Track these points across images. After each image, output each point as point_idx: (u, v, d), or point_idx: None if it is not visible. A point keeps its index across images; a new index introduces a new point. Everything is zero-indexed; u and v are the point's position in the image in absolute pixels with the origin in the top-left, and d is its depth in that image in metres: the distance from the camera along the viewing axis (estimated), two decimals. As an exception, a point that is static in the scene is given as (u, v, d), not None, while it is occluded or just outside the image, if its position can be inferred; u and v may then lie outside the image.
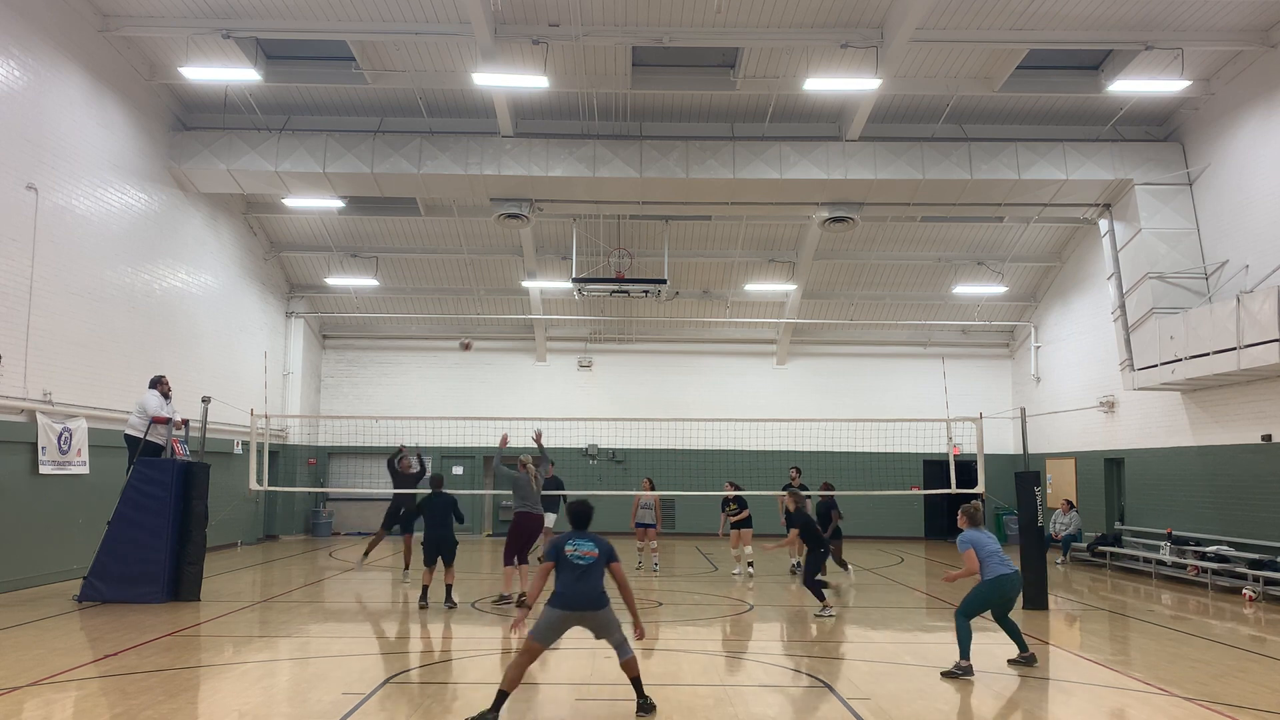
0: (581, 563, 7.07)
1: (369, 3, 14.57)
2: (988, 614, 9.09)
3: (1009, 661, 9.17)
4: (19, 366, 13.26)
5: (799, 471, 16.90)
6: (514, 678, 6.95)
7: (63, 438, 14.00)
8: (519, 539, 12.33)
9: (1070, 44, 15.29)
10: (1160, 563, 16.65)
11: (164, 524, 12.50)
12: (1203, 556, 15.70)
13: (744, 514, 16.26)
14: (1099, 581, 16.52)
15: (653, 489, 17.35)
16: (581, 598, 7.02)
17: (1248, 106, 15.78)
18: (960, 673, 8.57)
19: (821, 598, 12.05)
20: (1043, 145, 17.74)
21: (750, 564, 16.21)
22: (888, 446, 22.55)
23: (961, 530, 9.11)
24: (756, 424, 22.32)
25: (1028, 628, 11.31)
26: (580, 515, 7.38)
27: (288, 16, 14.91)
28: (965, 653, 8.69)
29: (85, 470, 14.46)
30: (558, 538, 7.24)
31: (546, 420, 22.66)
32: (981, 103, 17.78)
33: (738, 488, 16.51)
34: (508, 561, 12.41)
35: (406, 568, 15.46)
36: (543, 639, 7.03)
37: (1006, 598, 8.96)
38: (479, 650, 9.87)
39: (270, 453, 15.77)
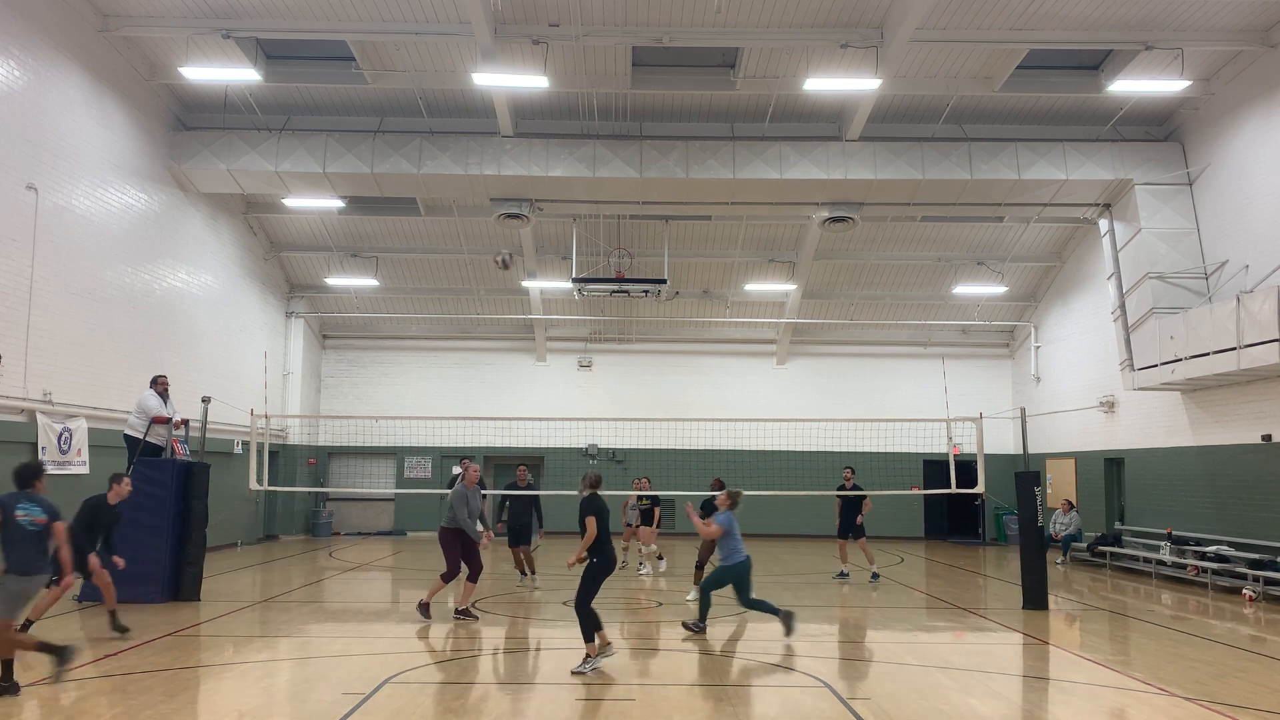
0: (33, 529, 7.35)
1: (369, 3, 14.57)
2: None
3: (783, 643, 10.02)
4: (19, 366, 13.26)
5: (853, 472, 16.44)
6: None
7: (63, 438, 14.00)
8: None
9: (1070, 44, 15.29)
10: (1160, 563, 16.64)
11: (164, 524, 12.51)
12: (1203, 556, 15.69)
13: (655, 512, 16.42)
14: (1099, 581, 16.52)
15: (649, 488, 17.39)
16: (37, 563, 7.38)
17: (1248, 106, 15.78)
18: (695, 629, 10.49)
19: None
20: (1043, 145, 17.74)
21: (660, 557, 16.78)
22: (888, 446, 22.54)
23: (719, 509, 10.71)
24: (756, 424, 22.31)
25: (1028, 628, 11.33)
26: (24, 475, 7.53)
27: (288, 16, 14.90)
28: (704, 617, 10.66)
29: (85, 470, 14.46)
30: (5, 498, 7.36)
31: (546, 420, 22.82)
32: (981, 103, 17.77)
33: (650, 486, 16.78)
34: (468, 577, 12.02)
35: (531, 574, 14.98)
36: (11, 614, 7.28)
37: (742, 579, 10.40)
38: (479, 650, 9.88)
39: (270, 453, 15.75)
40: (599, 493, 9.16)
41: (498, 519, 14.94)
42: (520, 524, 14.66)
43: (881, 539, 23.91)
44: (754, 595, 10.44)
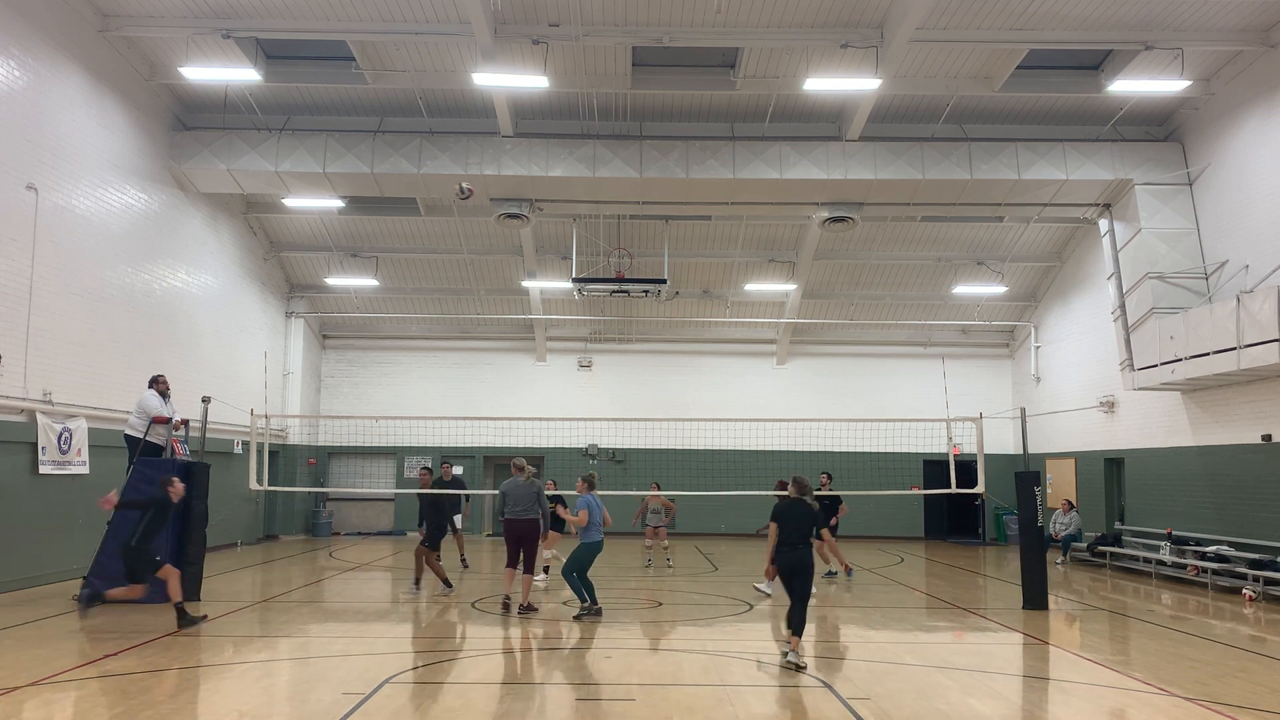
0: None
1: (369, 3, 14.57)
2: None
3: (574, 618, 11.30)
4: (19, 366, 13.26)
5: (829, 478, 16.27)
6: None
7: (63, 438, 14.00)
8: (512, 543, 12.01)
9: (1070, 44, 15.29)
10: (1160, 563, 16.64)
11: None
12: (1203, 556, 15.69)
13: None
14: (1099, 581, 16.52)
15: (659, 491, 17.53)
16: None
17: (1248, 106, 15.78)
18: (586, 613, 11.32)
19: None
20: (1043, 145, 17.74)
21: (546, 569, 14.79)
22: (888, 446, 22.54)
23: (578, 494, 11.72)
24: (756, 424, 22.31)
25: (1028, 628, 11.33)
26: None
27: (288, 16, 14.91)
28: (592, 599, 11.48)
29: (85, 470, 14.46)
30: None
31: (546, 420, 22.82)
32: (981, 103, 17.78)
33: (557, 485, 15.95)
34: (509, 564, 12.18)
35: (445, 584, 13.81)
36: None
37: (589, 557, 11.59)
38: (479, 650, 9.87)
39: (270, 453, 15.73)
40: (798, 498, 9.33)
41: (420, 519, 14.32)
42: (439, 525, 13.69)
43: (882, 539, 23.97)
44: (587, 576, 11.63)
